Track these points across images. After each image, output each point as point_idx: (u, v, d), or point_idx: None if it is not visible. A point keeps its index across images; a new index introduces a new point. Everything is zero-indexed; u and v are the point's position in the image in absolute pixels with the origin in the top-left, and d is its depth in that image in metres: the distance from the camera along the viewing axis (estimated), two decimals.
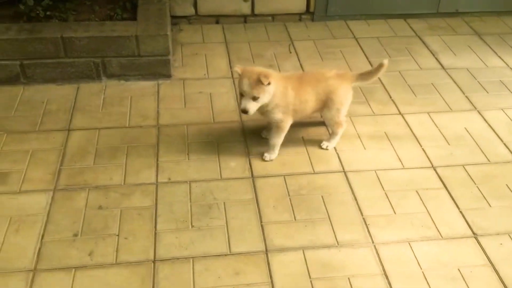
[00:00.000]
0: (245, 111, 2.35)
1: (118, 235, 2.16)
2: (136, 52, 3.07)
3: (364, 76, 2.57)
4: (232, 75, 3.22)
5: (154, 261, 2.06)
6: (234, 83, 3.15)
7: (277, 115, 2.46)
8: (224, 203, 2.34)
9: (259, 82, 2.28)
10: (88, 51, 3.02)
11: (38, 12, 3.13)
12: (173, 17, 3.71)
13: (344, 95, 2.54)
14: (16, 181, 2.39)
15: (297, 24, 3.87)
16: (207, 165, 2.54)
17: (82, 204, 2.29)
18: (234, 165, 2.55)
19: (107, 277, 1.99)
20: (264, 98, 2.35)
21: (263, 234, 2.20)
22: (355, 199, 2.39)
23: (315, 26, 3.85)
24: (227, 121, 2.84)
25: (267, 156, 2.58)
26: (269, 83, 2.30)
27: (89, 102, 2.95)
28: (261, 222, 2.26)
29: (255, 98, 2.33)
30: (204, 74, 3.24)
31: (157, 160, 2.56)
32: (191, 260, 2.07)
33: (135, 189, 2.39)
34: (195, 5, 3.73)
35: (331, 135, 2.67)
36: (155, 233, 2.18)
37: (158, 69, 3.14)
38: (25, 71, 3.02)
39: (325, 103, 2.53)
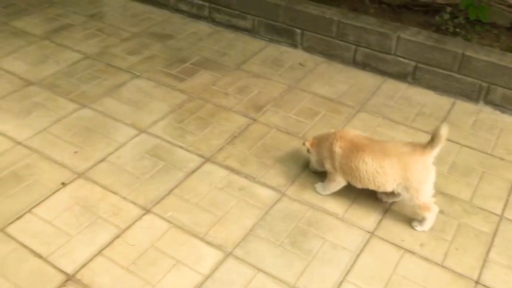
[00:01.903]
0: None
1: (451, 243, 2.29)
2: None
3: (430, 147, 2.19)
4: None
5: (476, 282, 2.12)
6: None
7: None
8: None
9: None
10: (479, 74, 3.15)
11: (447, 26, 3.42)
12: None
13: (424, 172, 2.21)
14: None
15: None
16: None
17: None
18: None
19: (429, 272, 2.16)
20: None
21: None
22: None
23: None
24: None
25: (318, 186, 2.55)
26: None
27: (460, 118, 3.10)
28: None
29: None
30: None
31: (509, 195, 2.53)
32: None
33: (478, 211, 2.45)
34: None
35: (422, 218, 2.34)
36: (485, 259, 2.22)
37: None
38: (415, 73, 3.37)
39: (400, 182, 2.24)
